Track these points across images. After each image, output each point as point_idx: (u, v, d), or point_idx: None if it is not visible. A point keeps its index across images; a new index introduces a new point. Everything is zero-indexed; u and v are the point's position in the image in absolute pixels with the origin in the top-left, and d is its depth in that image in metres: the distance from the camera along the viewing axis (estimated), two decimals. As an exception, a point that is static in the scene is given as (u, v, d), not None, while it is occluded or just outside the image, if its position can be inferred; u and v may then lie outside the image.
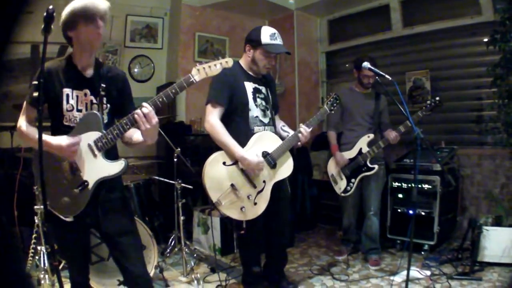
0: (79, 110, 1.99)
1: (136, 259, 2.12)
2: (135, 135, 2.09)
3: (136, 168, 3.91)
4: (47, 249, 2.94)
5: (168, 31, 5.55)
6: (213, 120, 2.72)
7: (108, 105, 2.06)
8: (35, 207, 2.95)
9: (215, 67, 2.03)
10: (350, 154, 3.68)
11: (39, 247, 3.02)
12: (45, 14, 1.63)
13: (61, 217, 1.95)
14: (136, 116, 1.91)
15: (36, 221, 2.98)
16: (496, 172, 4.24)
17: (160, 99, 1.94)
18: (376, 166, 3.60)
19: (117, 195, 2.11)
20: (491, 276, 3.26)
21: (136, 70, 5.38)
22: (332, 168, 3.77)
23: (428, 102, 3.43)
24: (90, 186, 1.95)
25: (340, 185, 3.71)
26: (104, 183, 2.01)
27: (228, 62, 2.08)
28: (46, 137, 1.85)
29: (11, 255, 2.00)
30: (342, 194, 3.72)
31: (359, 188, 3.73)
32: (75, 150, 1.90)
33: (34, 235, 3.04)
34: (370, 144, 3.61)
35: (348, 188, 3.68)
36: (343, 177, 3.70)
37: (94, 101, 2.01)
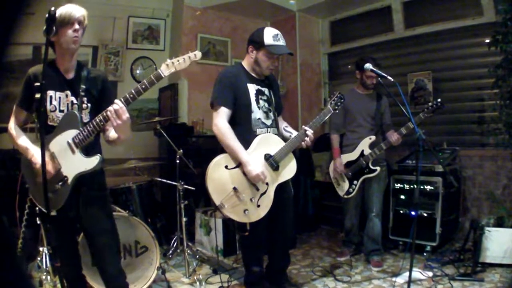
0: (61, 111, 2.13)
1: (111, 260, 2.25)
2: (111, 132, 2.21)
3: (138, 170, 3.90)
4: (48, 250, 2.95)
5: (170, 33, 5.56)
6: (221, 123, 2.69)
7: (89, 105, 2.19)
8: (27, 205, 3.03)
9: (183, 61, 2.12)
10: (352, 156, 3.67)
11: (40, 248, 3.02)
12: (47, 15, 1.65)
13: (45, 211, 2.01)
14: (108, 113, 2.01)
15: (24, 217, 3.06)
16: (497, 173, 4.23)
17: (131, 95, 2.05)
18: (378, 168, 3.59)
19: (96, 193, 2.22)
20: (493, 277, 3.26)
21: (138, 71, 5.39)
22: (334, 170, 3.77)
23: (430, 104, 3.40)
24: (69, 180, 2.07)
25: (343, 187, 3.71)
26: (85, 180, 2.13)
27: (197, 55, 2.17)
28: (34, 150, 2.04)
29: (12, 256, 2.02)
30: (345, 196, 3.72)
31: (361, 189, 3.72)
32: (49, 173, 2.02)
33: (22, 231, 3.12)
34: (372, 146, 3.60)
35: (351, 190, 3.67)
36: (345, 179, 3.70)
37: (75, 101, 2.14)
